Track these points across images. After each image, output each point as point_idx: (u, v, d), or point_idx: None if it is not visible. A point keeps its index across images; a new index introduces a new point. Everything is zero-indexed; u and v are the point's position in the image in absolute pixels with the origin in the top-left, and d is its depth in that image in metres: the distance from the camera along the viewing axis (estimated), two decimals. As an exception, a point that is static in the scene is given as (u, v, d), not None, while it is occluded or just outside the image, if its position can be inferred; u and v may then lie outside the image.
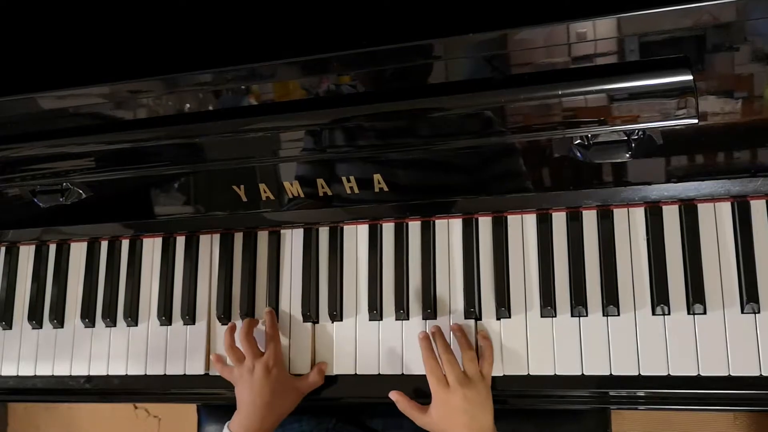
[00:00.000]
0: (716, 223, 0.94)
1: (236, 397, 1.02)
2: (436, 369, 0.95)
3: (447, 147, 0.91)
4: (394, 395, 0.97)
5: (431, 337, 0.99)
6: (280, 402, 1.01)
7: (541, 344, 0.97)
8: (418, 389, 0.99)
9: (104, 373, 1.14)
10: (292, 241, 1.10)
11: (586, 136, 0.86)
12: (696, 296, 0.92)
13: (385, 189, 0.96)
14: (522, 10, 0.79)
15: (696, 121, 0.81)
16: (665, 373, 0.92)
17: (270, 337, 1.04)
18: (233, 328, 1.08)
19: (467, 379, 0.94)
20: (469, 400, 0.92)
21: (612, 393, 0.95)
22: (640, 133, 0.85)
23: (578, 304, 0.96)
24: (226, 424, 1.01)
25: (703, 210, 0.95)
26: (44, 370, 1.18)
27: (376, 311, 1.04)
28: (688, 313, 0.93)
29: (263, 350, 1.04)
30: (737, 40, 0.78)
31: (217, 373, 1.07)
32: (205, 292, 1.13)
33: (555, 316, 0.97)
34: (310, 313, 1.07)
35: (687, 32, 0.78)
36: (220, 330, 1.10)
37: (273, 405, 0.99)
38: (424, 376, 0.96)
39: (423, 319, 1.02)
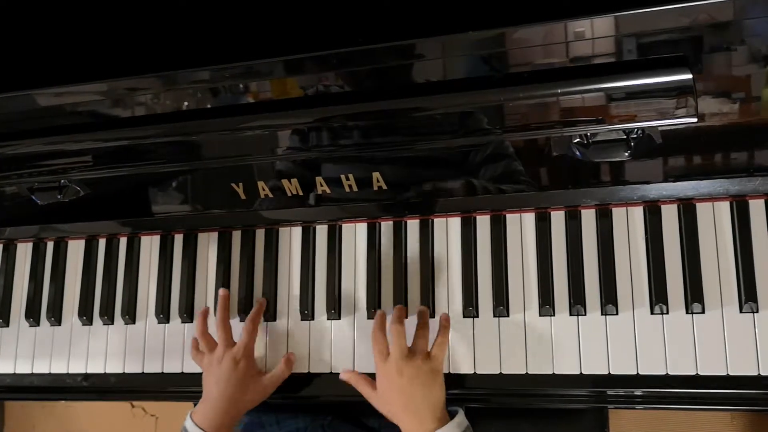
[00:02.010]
0: (715, 223, 0.94)
1: (203, 386, 1.02)
2: (381, 342, 0.95)
3: (446, 145, 0.91)
4: (344, 375, 0.98)
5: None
6: (244, 396, 1.00)
7: (539, 343, 0.97)
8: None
9: (101, 371, 1.14)
10: (291, 239, 1.10)
11: (585, 135, 0.86)
12: (694, 295, 0.92)
13: (384, 187, 0.96)
14: (520, 9, 0.79)
15: (695, 120, 0.81)
16: (663, 373, 0.92)
17: (247, 329, 1.03)
18: (206, 313, 1.07)
19: (410, 354, 0.93)
20: (405, 376, 0.91)
21: (610, 392, 0.95)
22: (639, 132, 0.85)
23: (577, 303, 0.96)
24: (189, 413, 1.01)
25: (702, 209, 0.95)
26: (41, 367, 1.17)
27: (374, 310, 1.03)
28: (687, 313, 0.93)
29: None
30: (735, 39, 0.78)
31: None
32: (203, 290, 1.13)
33: (553, 315, 0.97)
34: (308, 311, 1.06)
35: (685, 31, 0.78)
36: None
37: (237, 399, 0.99)
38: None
39: (421, 317, 1.02)
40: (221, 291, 1.07)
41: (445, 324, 0.98)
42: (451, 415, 0.91)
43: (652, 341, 0.93)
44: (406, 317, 1.02)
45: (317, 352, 1.06)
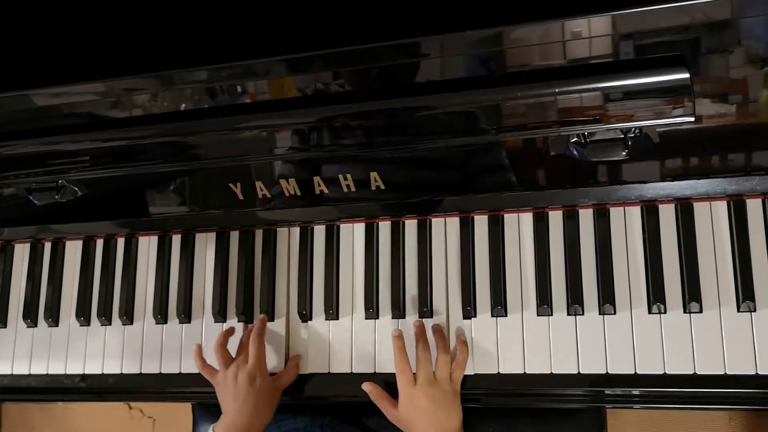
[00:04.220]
0: (712, 222, 0.94)
1: (220, 403, 1.02)
2: (407, 368, 0.97)
3: (444, 145, 0.91)
4: (367, 387, 0.99)
5: (418, 331, 1.00)
6: (265, 408, 1.01)
7: (537, 343, 0.97)
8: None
9: (99, 372, 1.14)
10: (289, 239, 1.10)
11: (583, 135, 0.86)
12: (692, 295, 0.92)
13: (382, 187, 0.96)
14: (518, 8, 0.79)
15: (693, 119, 0.81)
16: (661, 372, 0.92)
17: (254, 343, 1.02)
18: (231, 332, 1.07)
19: (435, 380, 0.95)
20: (433, 400, 0.94)
21: (608, 391, 0.95)
22: (636, 131, 0.85)
23: (575, 302, 0.96)
24: (211, 427, 1.01)
25: (700, 209, 0.95)
26: (39, 368, 1.17)
27: (372, 310, 1.03)
28: (685, 312, 0.93)
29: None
30: (733, 38, 0.78)
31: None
32: (200, 290, 1.13)
33: (551, 315, 0.97)
34: (306, 312, 1.06)
35: (683, 30, 0.78)
36: (216, 329, 1.10)
37: (258, 413, 0.99)
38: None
39: (420, 317, 1.02)
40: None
41: (466, 349, 0.99)
42: None
43: (650, 341, 0.93)
44: (404, 316, 1.03)
45: (315, 353, 1.06)
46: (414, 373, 0.97)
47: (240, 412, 0.98)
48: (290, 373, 1.04)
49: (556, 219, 1.00)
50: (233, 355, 1.05)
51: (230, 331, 1.07)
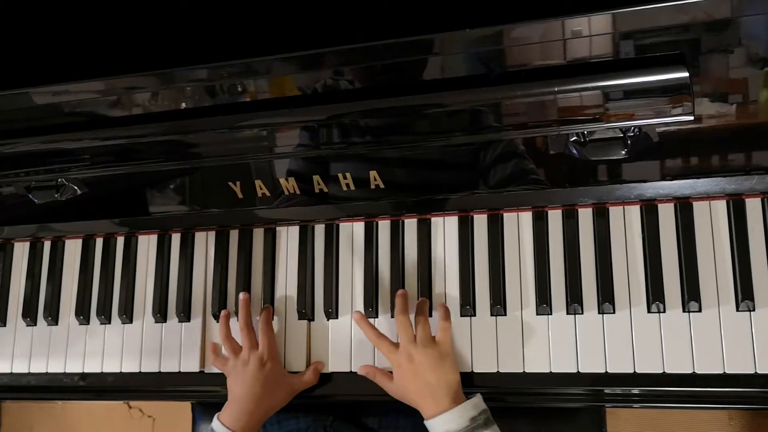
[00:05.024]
0: (711, 222, 0.94)
1: (228, 389, 1.02)
2: (387, 340, 0.98)
3: (443, 144, 0.91)
4: (362, 370, 1.00)
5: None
6: (272, 397, 1.00)
7: (536, 342, 0.97)
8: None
9: (99, 371, 1.14)
10: (288, 238, 1.10)
11: (582, 134, 0.86)
12: (691, 294, 0.92)
13: (381, 186, 0.96)
14: (518, 7, 0.79)
15: (692, 118, 0.81)
16: (660, 371, 0.92)
17: (263, 332, 1.03)
18: (228, 316, 1.07)
19: (415, 342, 0.95)
20: (416, 362, 0.93)
21: (607, 391, 0.95)
22: (636, 130, 0.85)
23: (574, 301, 0.96)
24: (216, 415, 1.01)
25: (699, 208, 0.95)
26: (38, 367, 1.17)
27: (371, 309, 1.04)
28: (684, 311, 0.93)
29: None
30: (732, 37, 0.78)
31: (213, 370, 1.07)
32: (200, 289, 1.13)
33: (551, 314, 0.97)
34: (306, 311, 1.06)
35: (683, 29, 0.78)
36: (216, 327, 1.10)
37: (264, 399, 0.99)
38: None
39: (419, 316, 1.02)
40: (242, 295, 1.07)
41: (444, 312, 0.98)
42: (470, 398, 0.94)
43: (649, 340, 0.93)
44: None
45: (315, 352, 1.06)
46: (397, 343, 0.97)
47: (246, 396, 0.99)
48: (309, 376, 1.03)
49: (555, 218, 1.00)
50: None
51: (228, 315, 1.07)
